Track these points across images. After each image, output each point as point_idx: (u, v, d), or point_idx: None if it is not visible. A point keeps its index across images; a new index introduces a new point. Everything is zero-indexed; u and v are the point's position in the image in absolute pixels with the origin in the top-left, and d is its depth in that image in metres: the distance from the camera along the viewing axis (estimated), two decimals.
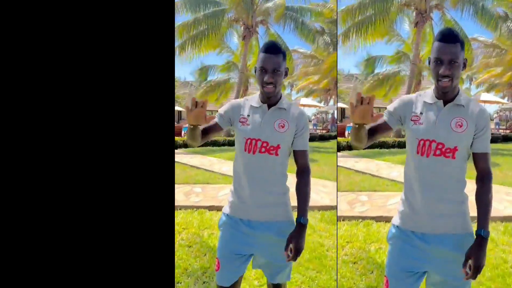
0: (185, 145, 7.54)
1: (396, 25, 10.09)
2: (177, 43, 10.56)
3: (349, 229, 4.04)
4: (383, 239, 3.62)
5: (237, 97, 9.13)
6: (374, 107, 1.48)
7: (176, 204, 4.81)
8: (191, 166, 7.18)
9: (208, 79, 11.32)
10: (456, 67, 1.55)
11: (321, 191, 5.38)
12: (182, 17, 10.58)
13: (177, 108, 9.91)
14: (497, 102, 11.27)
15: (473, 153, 1.62)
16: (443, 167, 1.59)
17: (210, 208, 4.76)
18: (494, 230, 3.97)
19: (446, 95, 1.61)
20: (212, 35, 10.68)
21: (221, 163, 7.13)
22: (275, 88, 1.74)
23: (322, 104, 11.03)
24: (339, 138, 8.30)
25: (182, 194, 5.44)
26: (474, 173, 1.64)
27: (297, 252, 1.72)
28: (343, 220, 4.37)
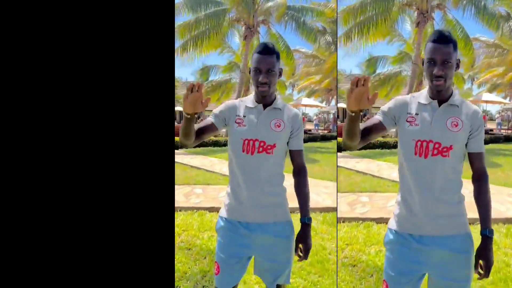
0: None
1: (398, 25, 10.07)
2: (179, 43, 10.57)
3: (349, 231, 4.01)
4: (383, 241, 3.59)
5: (238, 97, 9.10)
6: (375, 107, 1.47)
7: (176, 205, 4.80)
8: (192, 166, 7.19)
9: (210, 79, 11.33)
10: (449, 67, 1.57)
11: (323, 192, 5.37)
12: (183, 17, 10.59)
13: (178, 108, 9.92)
14: (499, 102, 11.24)
15: (469, 153, 1.64)
16: (441, 167, 1.59)
17: (211, 209, 4.74)
18: (496, 232, 3.93)
19: (440, 95, 1.62)
20: (214, 35, 10.68)
21: (222, 164, 7.11)
22: (269, 88, 1.76)
23: (323, 104, 11.02)
24: (339, 138, 8.29)
25: (182, 195, 5.44)
26: (469, 173, 1.66)
27: (307, 251, 1.79)
28: (343, 221, 4.34)
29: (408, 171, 1.64)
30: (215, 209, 4.63)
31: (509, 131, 11.04)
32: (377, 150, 8.63)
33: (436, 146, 1.59)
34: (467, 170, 1.65)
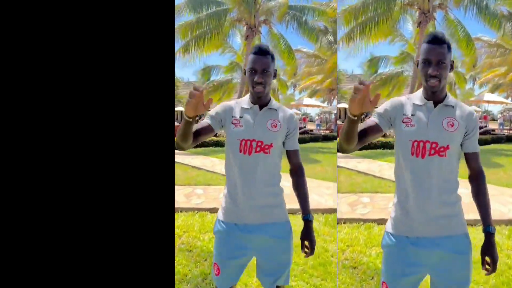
0: None
1: (399, 25, 10.06)
2: (180, 43, 10.58)
3: (350, 232, 3.98)
4: (381, 244, 3.56)
5: (239, 97, 9.11)
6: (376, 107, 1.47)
7: (176, 206, 4.79)
8: (193, 167, 7.18)
9: (211, 79, 11.34)
10: (444, 68, 1.60)
11: (324, 194, 5.35)
12: (184, 17, 10.59)
13: (179, 108, 9.91)
14: (501, 102, 11.23)
15: (465, 154, 1.67)
16: (438, 167, 1.60)
17: (212, 210, 4.73)
18: (498, 234, 3.90)
19: (435, 96, 1.64)
20: (215, 35, 10.68)
21: (223, 164, 7.08)
22: (264, 88, 1.78)
23: (325, 104, 11.02)
24: (339, 139, 8.26)
25: (183, 196, 5.42)
26: (465, 172, 1.69)
27: (313, 248, 1.83)
28: (344, 222, 4.31)
29: (405, 171, 1.64)
30: (216, 210, 4.59)
31: (511, 131, 11.02)
32: (378, 150, 8.61)
33: (433, 146, 1.60)
34: (463, 170, 1.67)
